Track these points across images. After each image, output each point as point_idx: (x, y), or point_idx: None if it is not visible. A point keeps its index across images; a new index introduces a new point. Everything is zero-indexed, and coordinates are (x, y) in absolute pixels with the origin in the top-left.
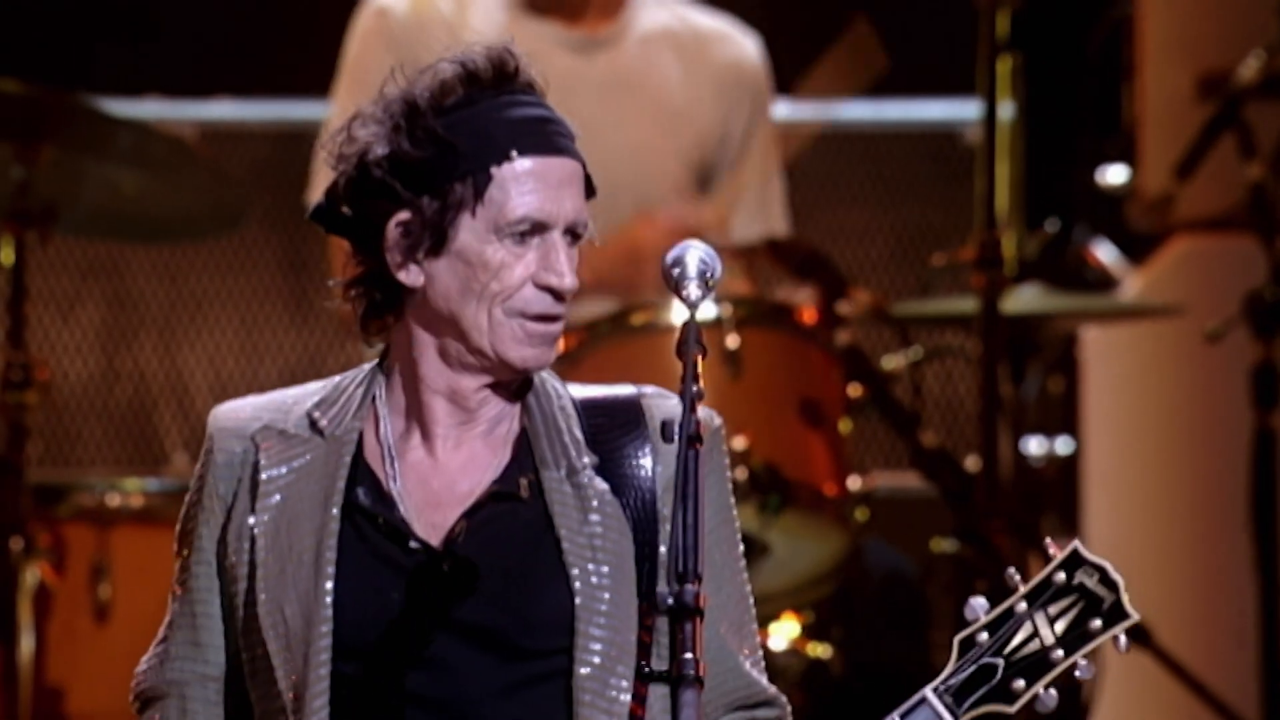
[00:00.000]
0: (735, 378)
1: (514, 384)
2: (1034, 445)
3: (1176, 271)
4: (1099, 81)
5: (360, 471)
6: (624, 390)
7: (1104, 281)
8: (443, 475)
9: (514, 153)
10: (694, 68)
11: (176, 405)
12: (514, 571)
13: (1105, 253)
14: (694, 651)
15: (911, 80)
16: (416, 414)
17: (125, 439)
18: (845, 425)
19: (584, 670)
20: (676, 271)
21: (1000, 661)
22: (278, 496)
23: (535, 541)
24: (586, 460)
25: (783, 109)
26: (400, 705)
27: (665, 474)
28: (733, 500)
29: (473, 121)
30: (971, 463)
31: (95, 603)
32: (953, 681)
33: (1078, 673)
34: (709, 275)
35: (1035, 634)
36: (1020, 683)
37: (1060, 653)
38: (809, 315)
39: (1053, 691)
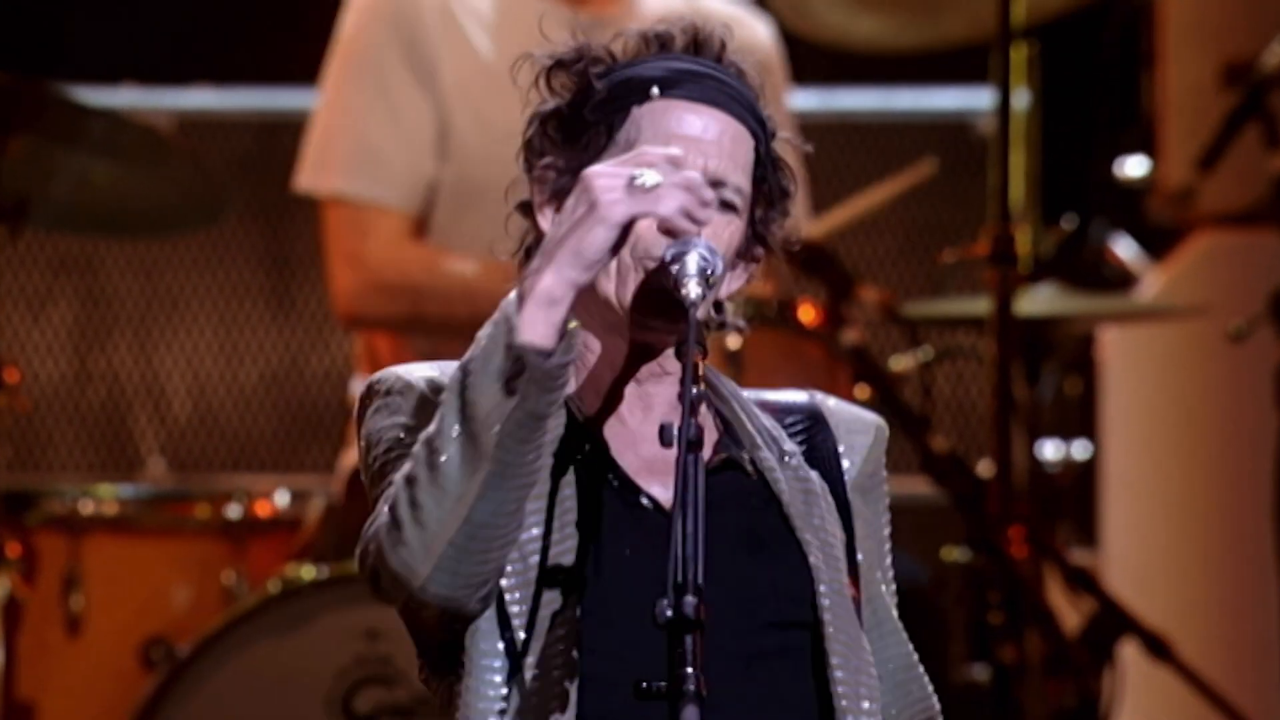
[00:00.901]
0: (737, 379)
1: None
2: (1050, 450)
3: (1199, 268)
4: (1118, 69)
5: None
6: (795, 394)
7: (1123, 279)
8: (647, 443)
9: (654, 91)
10: None
11: (152, 408)
12: (750, 539)
13: (1124, 249)
14: (694, 666)
15: (922, 68)
16: (594, 382)
17: (98, 443)
18: None
19: (830, 630)
20: (676, 269)
21: None
22: None
23: (764, 514)
24: (792, 448)
25: (798, 98)
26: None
27: (855, 472)
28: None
29: (627, 69)
30: (984, 468)
31: (67, 615)
32: None
33: None
34: (709, 272)
35: None
36: None
37: None
38: (814, 314)
39: None
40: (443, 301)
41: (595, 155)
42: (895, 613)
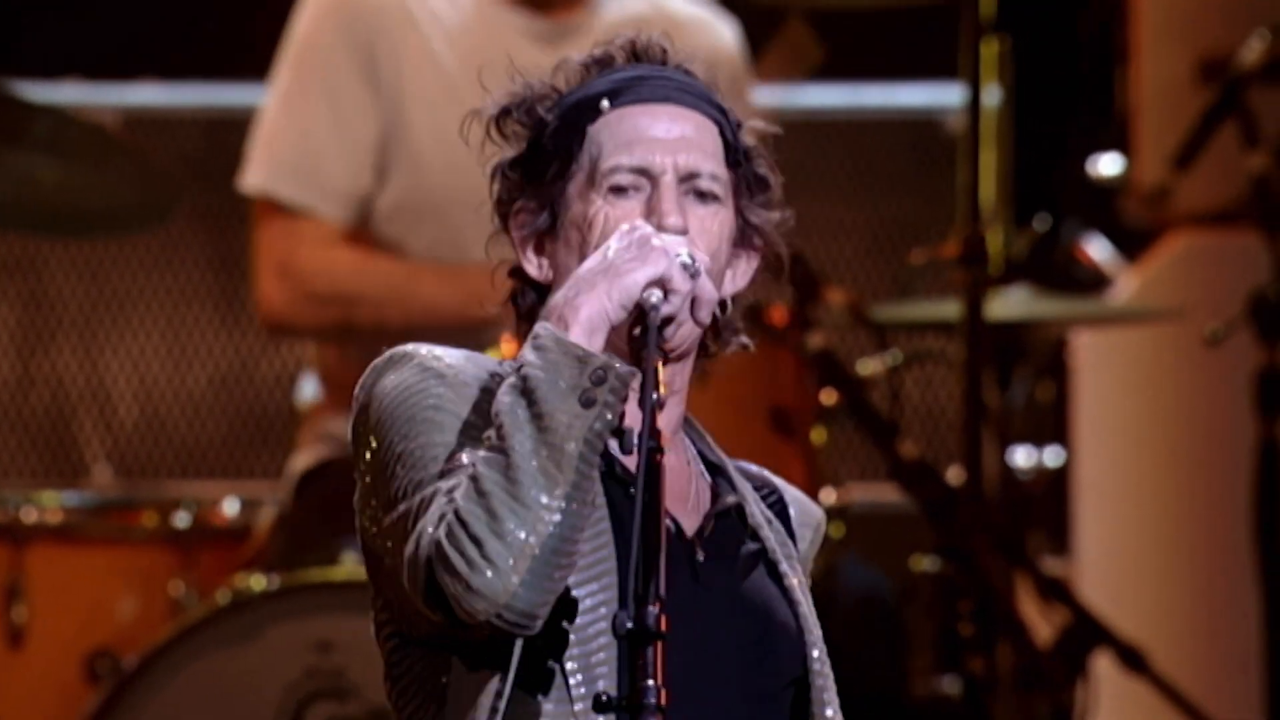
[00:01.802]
0: (699, 384)
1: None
2: (1021, 456)
3: (1174, 270)
4: (1091, 65)
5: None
6: (750, 465)
7: (1096, 281)
8: (669, 475)
9: (604, 104)
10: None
11: (97, 413)
12: (748, 598)
13: (1098, 250)
14: (655, 678)
15: (889, 63)
16: None
17: (42, 449)
18: (818, 435)
19: (819, 681)
20: None
21: None
22: None
23: (757, 571)
24: (768, 513)
25: (760, 95)
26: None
27: (801, 557)
28: None
29: (575, 95)
30: (954, 475)
31: (9, 626)
32: None
33: None
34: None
35: None
36: None
37: None
38: (779, 317)
39: None
40: (374, 306)
41: (562, 183)
42: None
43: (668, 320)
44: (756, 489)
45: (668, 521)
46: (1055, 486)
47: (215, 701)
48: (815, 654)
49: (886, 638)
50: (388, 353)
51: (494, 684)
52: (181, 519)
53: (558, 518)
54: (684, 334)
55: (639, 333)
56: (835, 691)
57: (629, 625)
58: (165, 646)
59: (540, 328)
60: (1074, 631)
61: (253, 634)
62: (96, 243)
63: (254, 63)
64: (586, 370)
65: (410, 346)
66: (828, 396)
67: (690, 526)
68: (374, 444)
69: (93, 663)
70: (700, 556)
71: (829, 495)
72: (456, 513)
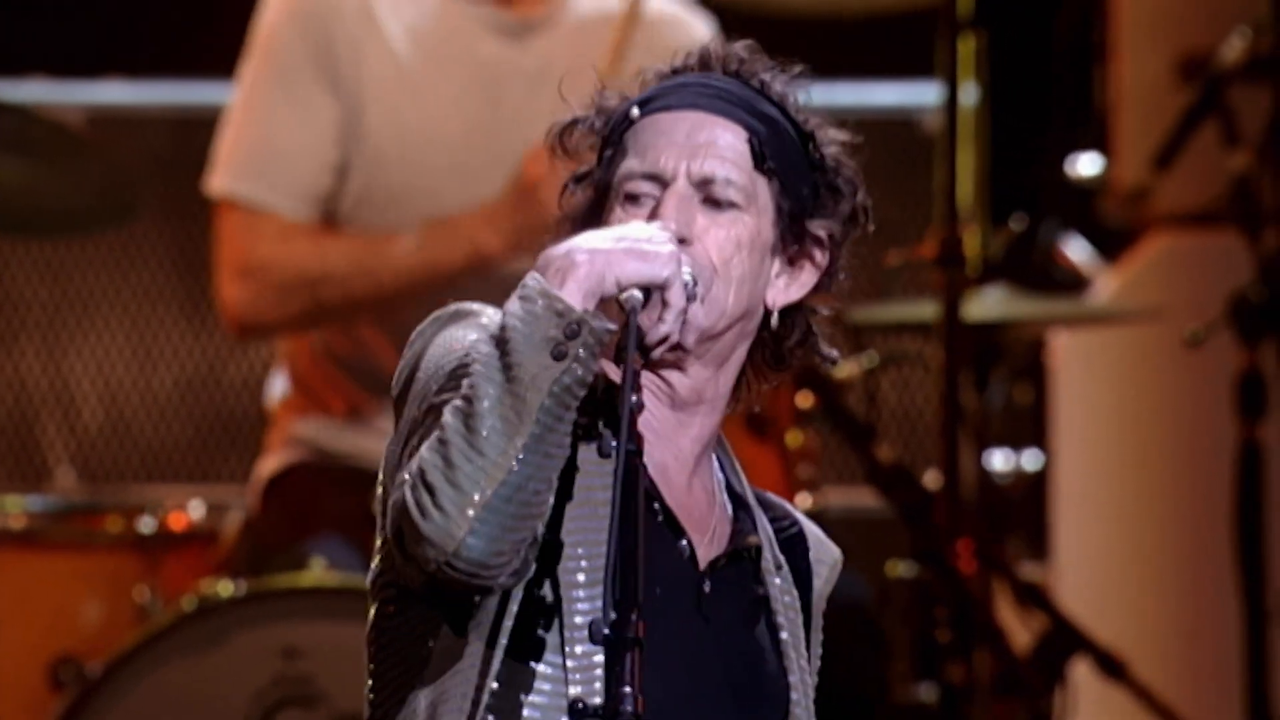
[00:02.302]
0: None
1: (698, 409)
2: (999, 460)
3: (1154, 271)
4: (1070, 63)
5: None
6: (771, 496)
7: (1075, 282)
8: (689, 496)
9: (634, 112)
10: (638, 56)
11: (61, 416)
12: (749, 633)
13: (1076, 250)
14: (633, 685)
15: (863, 61)
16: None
17: (4, 453)
18: (794, 438)
19: None
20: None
21: None
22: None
23: (759, 612)
24: (780, 559)
25: None
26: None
27: (816, 595)
28: None
29: (621, 106)
30: (931, 479)
31: None
32: None
33: None
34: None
35: None
36: None
37: None
38: None
39: None
40: (340, 282)
41: (605, 189)
42: None
43: (643, 337)
44: (775, 520)
45: (683, 543)
46: (1033, 491)
47: (181, 709)
48: (798, 712)
49: (865, 645)
50: (453, 306)
51: (475, 675)
52: (147, 524)
53: (514, 466)
54: (665, 346)
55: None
56: None
57: (606, 631)
58: (130, 653)
59: (531, 278)
60: (1052, 638)
61: (219, 640)
62: (60, 243)
63: (221, 60)
64: (563, 324)
65: (477, 305)
66: (803, 400)
67: (704, 557)
68: (415, 391)
69: (56, 670)
70: (707, 588)
71: (805, 500)
72: (419, 460)
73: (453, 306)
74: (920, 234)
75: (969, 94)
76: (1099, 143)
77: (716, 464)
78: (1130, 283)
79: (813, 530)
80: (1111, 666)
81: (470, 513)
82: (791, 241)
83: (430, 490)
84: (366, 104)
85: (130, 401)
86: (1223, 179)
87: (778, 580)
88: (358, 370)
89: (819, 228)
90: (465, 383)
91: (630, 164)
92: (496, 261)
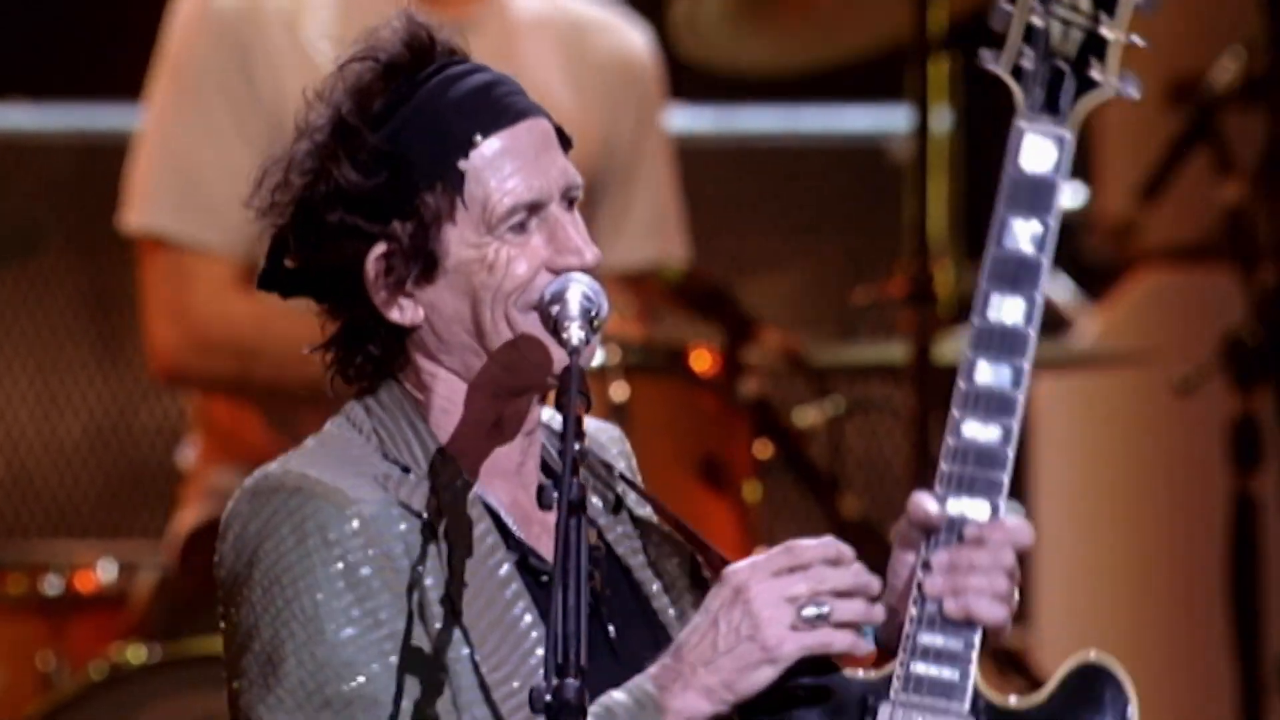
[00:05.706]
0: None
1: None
2: None
3: (1141, 310)
4: None
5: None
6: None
7: (1056, 322)
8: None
9: (476, 137)
10: (572, 63)
11: None
12: (654, 646)
13: (1058, 289)
14: None
15: (830, 84)
16: (472, 459)
17: None
18: (752, 490)
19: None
20: (556, 310)
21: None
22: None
23: (651, 619)
24: (598, 500)
25: (680, 117)
26: None
27: (627, 470)
28: None
29: (416, 120)
30: None
31: None
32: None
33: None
34: (594, 314)
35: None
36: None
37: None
38: (709, 361)
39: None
40: (274, 363)
41: (443, 223)
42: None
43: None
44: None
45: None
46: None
47: None
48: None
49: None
50: (252, 486)
51: None
52: (52, 584)
53: None
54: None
55: (559, 376)
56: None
57: (548, 698)
58: None
59: (646, 696)
60: None
61: (131, 712)
62: None
63: (130, 82)
64: None
65: (283, 491)
66: (762, 449)
67: (546, 549)
68: (256, 618)
69: None
70: (612, 631)
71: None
72: None
73: (251, 488)
74: (889, 269)
75: (941, 119)
76: (1082, 172)
77: (544, 443)
78: (1116, 323)
79: (587, 429)
80: None
81: None
82: None
83: None
84: (288, 119)
85: (34, 450)
86: (1215, 211)
87: (603, 520)
88: (278, 416)
89: None
90: None
91: (510, 197)
92: None
